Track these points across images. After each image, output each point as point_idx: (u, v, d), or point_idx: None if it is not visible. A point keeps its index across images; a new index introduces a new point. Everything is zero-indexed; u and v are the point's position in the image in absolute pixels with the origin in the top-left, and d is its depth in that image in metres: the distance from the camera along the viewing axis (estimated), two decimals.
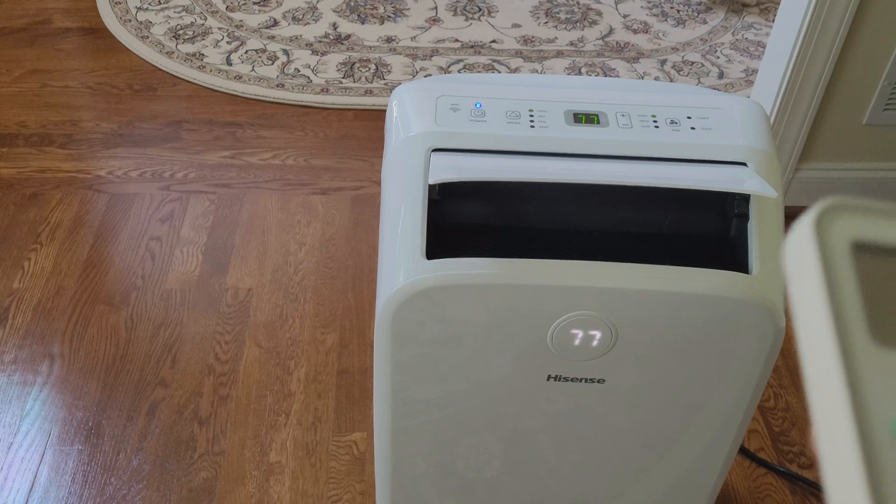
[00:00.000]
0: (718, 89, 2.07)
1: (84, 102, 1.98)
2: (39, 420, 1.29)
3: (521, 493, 0.93)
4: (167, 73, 2.06)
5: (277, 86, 2.01)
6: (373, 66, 2.09)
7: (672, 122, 0.79)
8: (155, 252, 1.58)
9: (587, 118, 0.78)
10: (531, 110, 0.79)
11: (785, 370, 1.41)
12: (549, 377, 0.79)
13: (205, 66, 2.06)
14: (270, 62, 2.09)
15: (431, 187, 0.75)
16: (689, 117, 0.79)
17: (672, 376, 0.79)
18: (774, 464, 1.26)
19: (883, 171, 1.69)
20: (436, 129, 0.76)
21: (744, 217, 0.76)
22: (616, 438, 0.86)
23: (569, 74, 2.11)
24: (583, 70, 2.12)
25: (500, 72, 2.09)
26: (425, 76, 2.06)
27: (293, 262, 1.57)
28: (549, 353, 0.76)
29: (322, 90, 2.00)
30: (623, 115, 0.79)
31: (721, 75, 2.12)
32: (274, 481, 1.21)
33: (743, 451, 1.28)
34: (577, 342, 0.76)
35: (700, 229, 0.79)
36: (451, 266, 0.72)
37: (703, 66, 2.16)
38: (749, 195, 0.75)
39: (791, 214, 1.63)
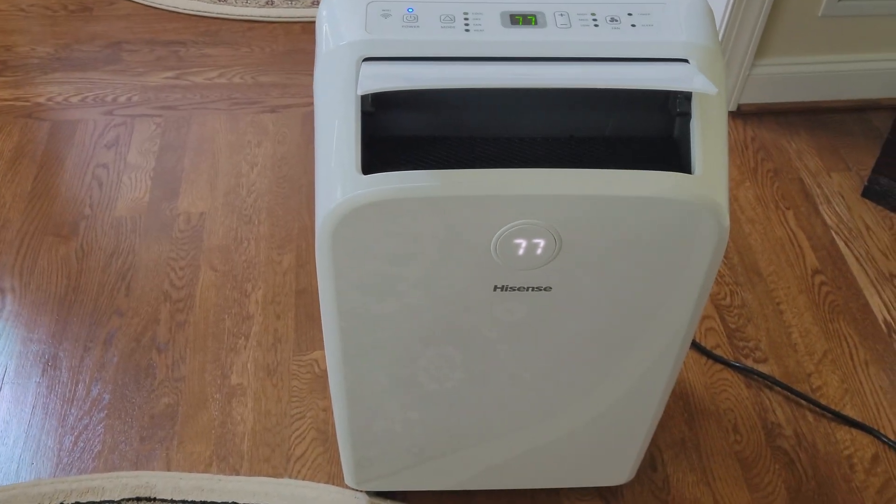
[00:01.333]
0: None
1: (17, 26, 1.89)
2: None
3: (482, 402, 0.94)
4: None
5: (220, 0, 1.92)
6: None
7: (612, 19, 0.76)
8: (102, 179, 1.54)
9: (524, 19, 0.75)
10: (466, 13, 0.75)
11: (741, 268, 1.42)
12: (495, 287, 0.78)
13: None
14: None
15: (364, 99, 0.72)
16: (629, 14, 0.76)
17: (619, 281, 0.79)
18: (730, 359, 1.29)
19: (840, 64, 1.67)
20: (366, 37, 0.73)
21: (686, 116, 0.74)
22: (569, 345, 0.86)
23: None
24: None
25: None
26: None
27: (245, 183, 1.54)
28: (494, 263, 0.76)
29: (267, 3, 1.93)
30: (562, 15, 0.76)
31: None
32: (236, 403, 1.22)
33: (699, 347, 1.30)
34: (520, 252, 0.75)
35: (645, 130, 0.78)
36: (388, 180, 0.70)
37: None
38: (690, 93, 0.73)
39: (749, 112, 1.64)
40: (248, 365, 1.26)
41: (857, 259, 1.45)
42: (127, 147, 1.60)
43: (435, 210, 0.72)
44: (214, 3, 1.91)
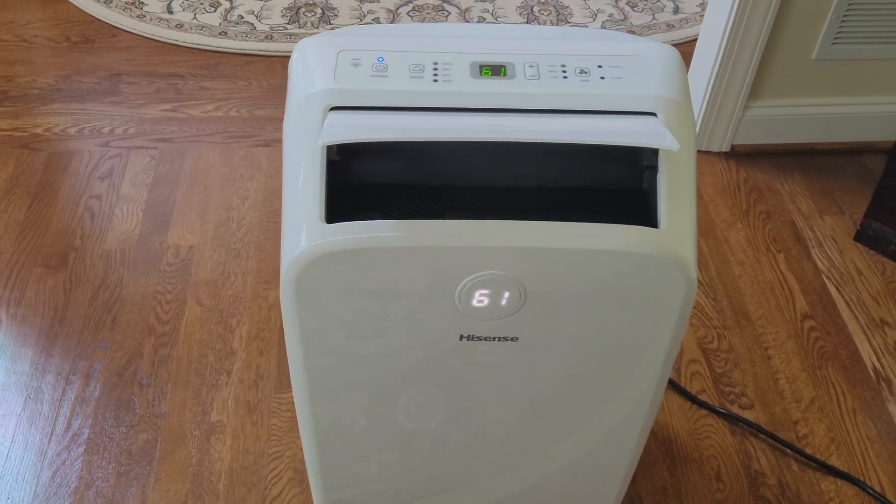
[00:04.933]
0: (673, 24, 2.03)
1: (19, 57, 1.91)
2: None
3: (455, 446, 0.93)
4: (105, 23, 1.99)
5: (220, 34, 1.95)
6: (319, 11, 2.03)
7: (581, 71, 0.76)
8: (94, 211, 1.55)
9: (493, 70, 0.75)
10: (436, 63, 0.76)
11: (730, 311, 1.41)
12: (461, 337, 0.78)
13: (144, 16, 2.00)
14: (213, 9, 2.02)
15: (329, 148, 0.72)
16: (599, 66, 0.76)
17: (587, 333, 0.78)
18: (714, 405, 1.27)
19: (834, 106, 1.67)
20: (334, 86, 0.73)
21: (653, 169, 0.74)
22: (540, 394, 0.85)
23: (519, 12, 2.06)
24: (535, 7, 2.07)
25: (449, 12, 2.04)
26: (373, 20, 2.00)
27: (236, 217, 1.54)
28: (459, 313, 0.75)
29: (266, 37, 1.95)
30: (531, 66, 0.76)
31: (676, 10, 2.08)
32: (215, 440, 1.21)
33: (683, 392, 1.29)
34: (485, 302, 0.74)
35: (615, 182, 0.77)
36: (351, 230, 0.70)
37: (658, 1, 2.11)
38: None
39: (741, 152, 1.64)
40: (229, 402, 1.26)
41: (847, 304, 1.43)
42: (121, 179, 1.61)
43: (398, 260, 0.71)
44: (215, 36, 1.94)
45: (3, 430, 1.22)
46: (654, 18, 2.04)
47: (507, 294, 0.74)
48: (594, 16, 2.05)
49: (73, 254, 1.47)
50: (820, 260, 1.51)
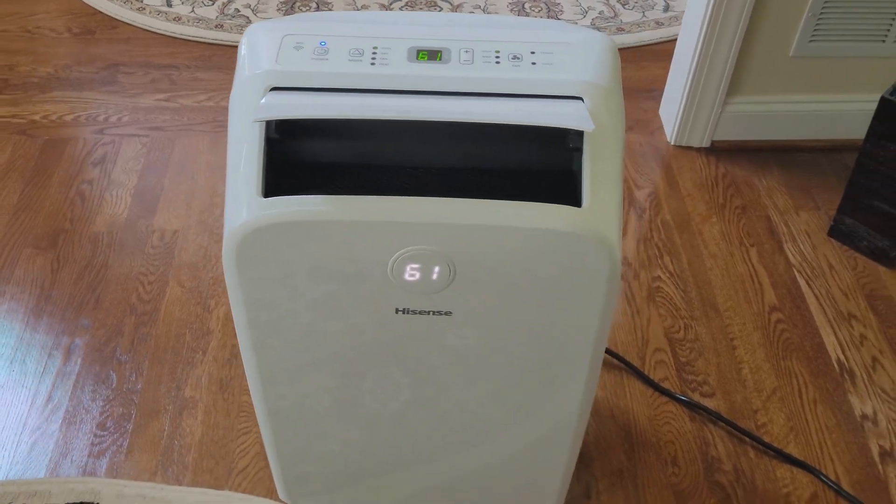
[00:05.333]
0: (662, 22, 2.05)
1: (22, 46, 1.97)
2: None
3: (402, 425, 0.96)
4: (107, 15, 2.04)
5: (216, 27, 2.00)
6: (314, 5, 2.08)
7: (514, 57, 0.79)
8: (85, 195, 1.60)
9: (430, 55, 0.79)
10: (375, 48, 0.79)
11: (698, 302, 1.44)
12: (397, 310, 0.81)
13: (144, 8, 2.05)
14: (210, 2, 2.07)
15: (268, 126, 0.76)
16: (532, 52, 0.80)
17: (516, 309, 0.81)
18: (675, 392, 1.30)
19: (814, 104, 1.69)
20: (275, 68, 0.77)
21: (580, 151, 0.77)
22: (476, 372, 0.89)
23: (511, 8, 2.09)
24: (526, 4, 2.10)
25: (441, 8, 2.07)
26: None
27: (220, 203, 1.58)
28: (393, 287, 0.79)
29: None
30: (466, 52, 0.79)
31: (666, 8, 2.10)
32: (187, 415, 1.25)
33: (646, 379, 1.31)
34: (416, 276, 0.77)
35: (544, 164, 0.81)
36: (286, 204, 0.74)
37: None
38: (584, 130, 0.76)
39: (721, 148, 1.66)
40: (203, 379, 1.30)
41: (816, 298, 1.45)
42: (113, 165, 1.66)
43: (333, 234, 0.75)
44: (210, 29, 1.98)
45: None
46: (643, 16, 2.06)
47: (437, 269, 0.77)
48: (584, 13, 2.07)
49: (62, 235, 1.52)
50: (792, 254, 1.52)
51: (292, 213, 0.74)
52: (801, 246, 1.54)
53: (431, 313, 0.81)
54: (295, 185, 0.77)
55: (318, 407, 0.94)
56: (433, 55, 0.79)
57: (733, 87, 1.64)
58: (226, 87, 1.86)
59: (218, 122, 1.76)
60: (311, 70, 0.77)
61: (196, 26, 1.99)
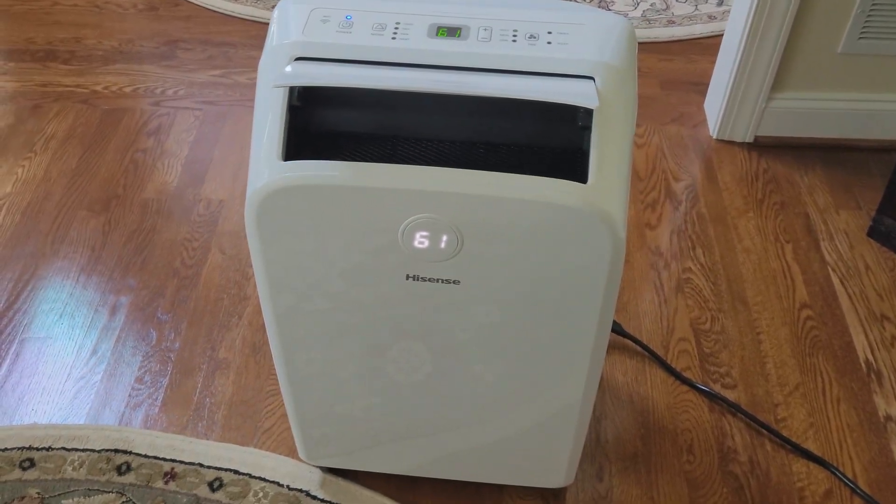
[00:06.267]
0: (715, 16, 2.03)
1: (90, 20, 2.06)
2: (21, 311, 1.41)
3: (420, 392, 1.00)
4: None
5: (273, 7, 2.05)
6: None
7: (531, 36, 0.81)
8: (139, 163, 1.67)
9: (449, 31, 0.82)
10: (398, 23, 0.83)
11: (727, 295, 1.44)
12: (407, 276, 0.85)
13: None
14: None
15: (291, 93, 0.80)
16: (549, 32, 0.82)
17: (521, 281, 0.84)
18: (696, 381, 1.30)
19: (862, 102, 1.66)
20: (301, 39, 0.81)
21: (589, 129, 0.79)
22: (484, 342, 0.91)
23: None
24: None
25: None
26: None
27: None
28: (403, 253, 0.82)
29: None
30: (485, 30, 0.82)
31: (720, 2, 2.08)
32: (219, 375, 1.31)
33: (667, 367, 1.32)
34: (425, 244, 0.81)
35: (555, 141, 0.83)
36: (304, 168, 0.78)
37: None
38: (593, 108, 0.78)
39: (764, 143, 1.65)
40: (237, 342, 1.36)
41: (849, 297, 1.43)
42: (166, 135, 1.74)
43: (346, 198, 0.79)
44: (267, 9, 2.04)
45: (37, 349, 1.35)
46: (696, 9, 2.05)
47: (445, 237, 0.80)
48: (636, 4, 2.07)
49: (114, 200, 1.59)
50: (828, 253, 1.51)
51: (309, 177, 0.78)
52: (839, 245, 1.52)
53: (440, 281, 0.85)
54: (315, 152, 0.81)
55: (333, 371, 0.98)
56: (452, 32, 0.82)
57: (778, 83, 1.63)
58: None
59: None
60: (335, 42, 0.81)
61: (254, 6, 2.05)
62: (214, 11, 2.06)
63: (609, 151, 0.78)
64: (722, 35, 1.92)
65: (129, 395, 1.28)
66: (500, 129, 0.84)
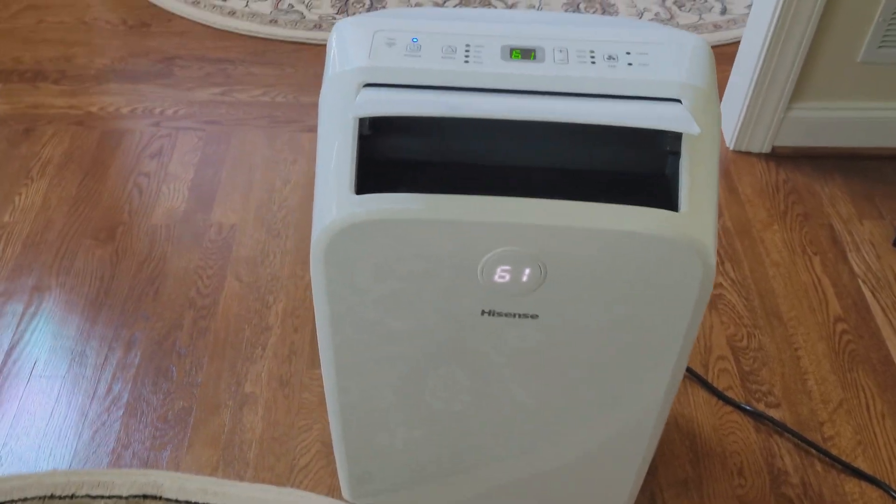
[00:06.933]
0: (720, 25, 2.02)
1: (79, 38, 1.98)
2: (28, 348, 1.33)
3: (479, 424, 0.95)
4: (162, 8, 2.05)
5: (270, 22, 2.00)
6: (367, 1, 2.07)
7: (610, 57, 0.78)
8: (143, 187, 1.60)
9: (524, 53, 0.78)
10: (468, 45, 0.78)
11: (761, 311, 1.41)
12: (483, 312, 0.80)
13: (199, 2, 2.05)
14: None
15: (361, 122, 0.75)
16: (627, 53, 0.78)
17: (604, 313, 0.80)
18: (741, 402, 1.27)
19: (881, 111, 1.65)
20: (369, 64, 0.76)
21: (676, 154, 0.75)
22: (559, 374, 0.87)
23: (565, 8, 2.07)
24: (581, 4, 2.08)
25: (496, 6, 2.06)
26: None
27: (277, 198, 1.58)
28: (481, 288, 0.77)
29: (315, 26, 1.99)
30: (561, 51, 0.78)
31: (724, 11, 2.07)
32: (247, 411, 1.25)
33: (710, 388, 1.29)
34: (506, 278, 0.76)
35: (636, 167, 0.79)
36: (379, 201, 0.73)
37: (706, 1, 2.10)
38: (681, 133, 0.74)
39: (783, 154, 1.63)
40: (263, 375, 1.30)
41: (882, 309, 1.42)
42: (169, 158, 1.67)
43: (423, 232, 0.74)
44: (265, 24, 1.99)
45: (48, 390, 1.27)
46: (700, 18, 2.04)
47: (527, 270, 0.76)
48: (640, 14, 2.05)
49: (120, 227, 1.52)
50: (856, 264, 1.49)
51: (386, 212, 0.73)
52: (866, 255, 1.51)
53: (517, 316, 0.80)
54: (383, 182, 0.76)
55: (393, 406, 0.93)
56: (527, 54, 0.78)
57: (798, 92, 1.61)
58: (280, 82, 1.86)
59: (273, 118, 1.76)
60: (405, 66, 0.76)
61: (250, 21, 1.99)
62: (209, 27, 1.99)
63: (699, 177, 0.74)
64: (728, 45, 1.91)
65: (153, 436, 1.22)
66: (574, 155, 0.80)
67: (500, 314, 0.80)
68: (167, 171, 1.64)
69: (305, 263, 1.46)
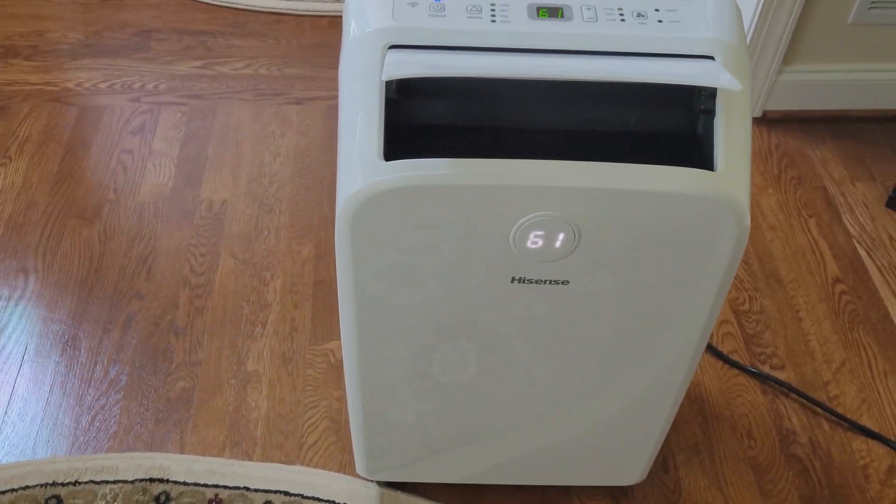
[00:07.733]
0: None
1: (50, 12, 1.91)
2: (16, 334, 1.29)
3: (496, 397, 0.94)
4: None
5: None
6: None
7: (639, 14, 0.76)
8: (127, 165, 1.55)
9: (551, 12, 0.75)
10: (493, 4, 0.76)
11: (761, 274, 1.41)
12: (513, 279, 0.78)
13: None
14: None
15: (388, 86, 0.72)
16: (656, 10, 0.76)
17: (637, 277, 0.78)
18: (746, 365, 1.28)
19: (869, 73, 1.66)
20: (392, 24, 0.73)
21: (710, 113, 0.74)
22: (585, 342, 0.86)
23: None
24: None
25: None
26: None
27: (268, 173, 1.55)
28: (512, 254, 0.76)
29: None
30: (588, 9, 0.76)
31: None
32: (251, 389, 1.22)
33: (716, 352, 1.29)
34: (539, 244, 0.75)
35: (669, 126, 0.77)
36: (409, 167, 0.71)
37: None
38: (715, 90, 0.73)
39: (774, 118, 1.62)
40: (265, 352, 1.27)
41: (879, 269, 1.43)
42: (152, 134, 1.62)
43: (455, 198, 0.72)
44: None
45: (41, 376, 1.23)
46: None
47: (562, 235, 0.74)
48: None
49: (107, 206, 1.47)
50: (851, 225, 1.50)
51: (417, 178, 0.70)
52: (860, 217, 1.52)
53: (548, 282, 0.79)
54: (411, 148, 0.74)
55: (413, 379, 0.91)
56: (554, 12, 0.75)
57: (789, 56, 1.61)
58: (263, 54, 1.81)
59: (258, 91, 1.71)
60: (431, 27, 0.73)
61: None
62: None
63: (734, 136, 0.73)
64: None
65: (156, 419, 1.19)
66: (605, 115, 0.78)
67: (530, 281, 0.78)
68: (151, 147, 1.59)
69: (301, 238, 1.43)
